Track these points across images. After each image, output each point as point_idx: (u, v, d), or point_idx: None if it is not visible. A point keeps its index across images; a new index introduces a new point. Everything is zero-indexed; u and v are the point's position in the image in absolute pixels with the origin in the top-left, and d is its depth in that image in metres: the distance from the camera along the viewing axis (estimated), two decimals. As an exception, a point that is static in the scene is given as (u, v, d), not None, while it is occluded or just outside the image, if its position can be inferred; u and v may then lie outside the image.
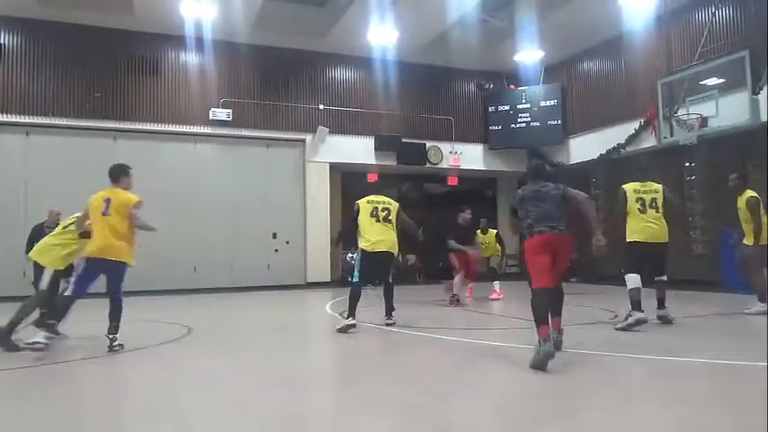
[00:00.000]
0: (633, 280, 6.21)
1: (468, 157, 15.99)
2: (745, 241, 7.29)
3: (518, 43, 14.53)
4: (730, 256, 8.61)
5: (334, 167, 15.05)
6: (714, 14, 11.88)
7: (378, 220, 6.82)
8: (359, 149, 15.06)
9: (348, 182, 15.86)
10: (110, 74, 13.13)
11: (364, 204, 6.91)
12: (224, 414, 3.34)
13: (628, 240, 6.41)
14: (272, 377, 4.36)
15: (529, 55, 14.91)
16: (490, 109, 16.17)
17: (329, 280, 14.34)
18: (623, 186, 6.58)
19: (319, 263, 14.34)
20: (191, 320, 7.44)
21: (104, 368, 4.93)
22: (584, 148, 14.69)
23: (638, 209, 6.38)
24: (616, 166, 13.63)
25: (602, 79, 14.80)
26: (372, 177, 15.84)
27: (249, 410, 3.40)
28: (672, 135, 11.64)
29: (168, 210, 11.87)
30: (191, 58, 13.91)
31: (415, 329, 6.58)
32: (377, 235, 6.74)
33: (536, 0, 12.39)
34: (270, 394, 3.82)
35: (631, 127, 13.19)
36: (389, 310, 6.92)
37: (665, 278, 6.50)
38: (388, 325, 6.76)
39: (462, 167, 15.91)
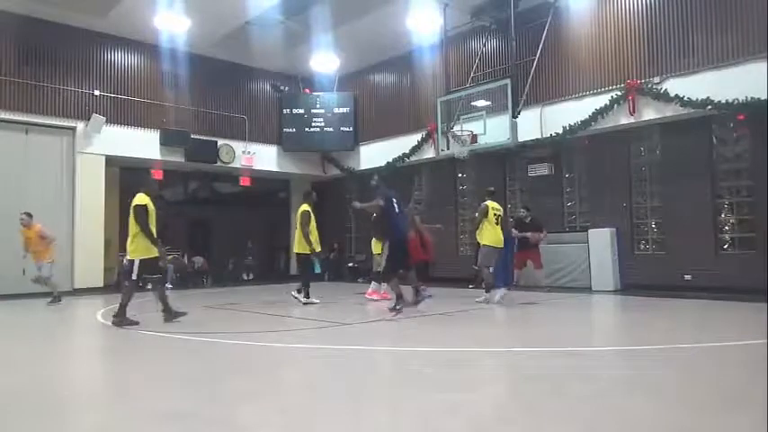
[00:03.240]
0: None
1: (262, 157, 15.72)
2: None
3: (314, 49, 14.77)
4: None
5: (112, 161, 13.60)
6: (484, 45, 13.47)
7: (297, 228, 9.02)
8: (142, 143, 13.81)
9: (128, 178, 14.44)
10: None
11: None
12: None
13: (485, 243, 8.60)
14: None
15: (325, 61, 15.21)
16: (285, 111, 16.13)
17: (102, 285, 12.85)
18: (486, 203, 8.71)
19: (90, 267, 12.75)
20: None
21: None
22: (374, 155, 15.47)
23: (495, 222, 8.63)
24: (402, 174, 14.62)
25: (392, 92, 15.79)
26: (157, 174, 14.67)
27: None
28: (448, 148, 12.84)
29: None
30: None
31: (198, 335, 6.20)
32: (295, 240, 9.00)
33: (332, 10, 12.69)
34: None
35: (415, 138, 14.27)
36: (306, 294, 8.89)
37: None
38: (294, 297, 8.88)
39: (255, 168, 15.58)
